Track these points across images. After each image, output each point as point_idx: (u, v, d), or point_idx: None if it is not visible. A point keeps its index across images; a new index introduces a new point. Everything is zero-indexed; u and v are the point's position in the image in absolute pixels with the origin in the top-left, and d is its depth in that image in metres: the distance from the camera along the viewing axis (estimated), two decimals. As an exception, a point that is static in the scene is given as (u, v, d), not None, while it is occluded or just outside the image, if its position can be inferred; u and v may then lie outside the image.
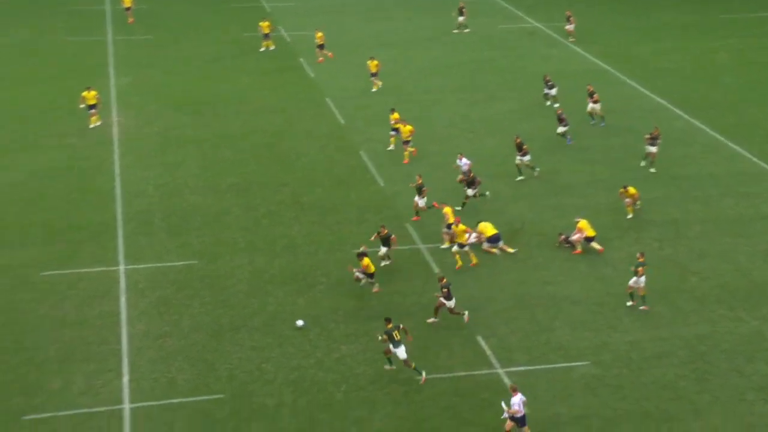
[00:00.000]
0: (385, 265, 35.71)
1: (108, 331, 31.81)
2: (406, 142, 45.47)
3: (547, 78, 53.21)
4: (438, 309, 32.36)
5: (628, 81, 57.55)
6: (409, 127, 45.56)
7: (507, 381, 29.37)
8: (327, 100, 54.11)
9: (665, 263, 36.47)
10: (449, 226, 37.17)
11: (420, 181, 40.02)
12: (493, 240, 37.17)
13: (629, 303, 33.55)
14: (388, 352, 29.77)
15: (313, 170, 44.73)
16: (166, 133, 49.41)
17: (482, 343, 31.47)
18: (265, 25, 63.13)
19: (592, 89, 50.25)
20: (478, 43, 65.43)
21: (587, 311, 33.38)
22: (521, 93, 54.98)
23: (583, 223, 37.17)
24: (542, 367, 30.26)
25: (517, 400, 26.35)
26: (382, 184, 43.30)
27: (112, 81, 56.90)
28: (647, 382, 29.59)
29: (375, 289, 34.39)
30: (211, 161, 45.93)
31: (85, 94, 48.91)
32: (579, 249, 37.05)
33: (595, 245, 37.01)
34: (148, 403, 28.27)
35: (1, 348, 30.59)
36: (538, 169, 43.73)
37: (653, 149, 44.03)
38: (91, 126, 48.76)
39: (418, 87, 56.58)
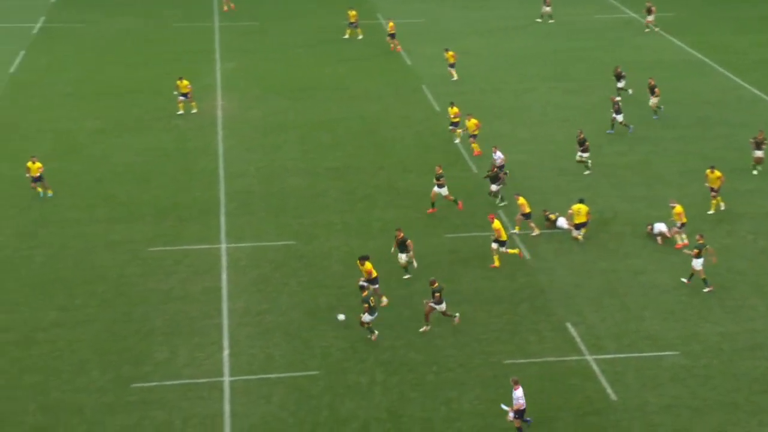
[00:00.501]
0: (407, 277, 33.86)
1: (210, 306, 32.42)
2: (473, 136, 44.70)
3: (618, 70, 51.84)
4: (428, 315, 30.93)
5: (724, 72, 56.08)
6: (474, 121, 44.66)
7: (596, 368, 29.06)
8: (423, 87, 54.03)
9: (760, 256, 35.55)
10: (527, 216, 36.85)
11: (440, 171, 39.29)
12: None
13: (706, 289, 32.85)
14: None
15: (408, 156, 44.77)
16: (268, 117, 50.00)
17: (572, 329, 31.16)
18: (352, 14, 63.28)
19: (653, 83, 48.98)
20: (572, 33, 64.50)
21: (677, 301, 32.77)
22: (614, 83, 54.04)
23: (678, 209, 36.29)
24: (631, 355, 29.83)
25: (520, 393, 25.90)
26: (474, 171, 43.11)
27: (218, 66, 57.78)
28: (738, 373, 28.94)
29: (383, 302, 32.23)
30: (310, 145, 46.35)
31: (178, 83, 49.43)
32: (680, 241, 36.13)
33: (681, 235, 36.20)
34: (247, 376, 28.75)
35: (112, 319, 31.44)
36: (588, 171, 42.69)
37: (759, 153, 42.62)
38: (179, 113, 49.25)
39: (512, 75, 56.10)
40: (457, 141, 46.14)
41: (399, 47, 60.35)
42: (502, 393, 27.86)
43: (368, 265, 32.34)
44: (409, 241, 34.02)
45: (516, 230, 37.31)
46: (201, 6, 70.98)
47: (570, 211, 37.00)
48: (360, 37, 63.06)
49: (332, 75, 56.24)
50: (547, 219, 37.60)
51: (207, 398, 27.75)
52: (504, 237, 35.04)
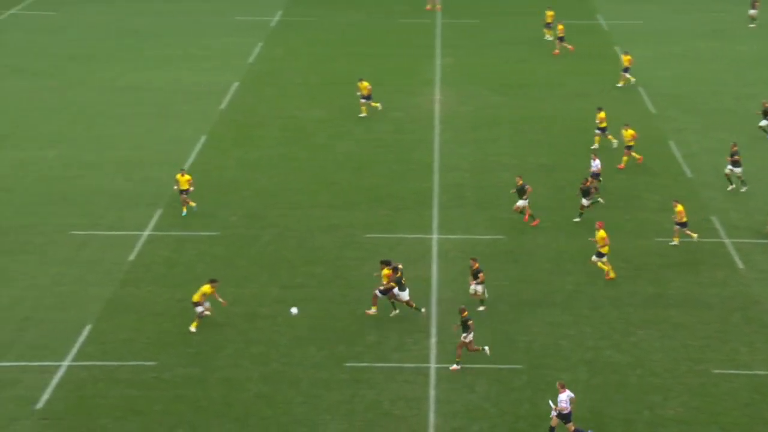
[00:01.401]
0: (482, 309, 31.34)
1: (420, 294, 32.69)
2: (629, 147, 42.25)
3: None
4: (460, 347, 28.54)
5: None
6: (631, 132, 42.15)
7: (808, 386, 27.31)
8: (639, 88, 52.34)
9: None
10: (683, 224, 34.93)
11: (521, 183, 37.29)
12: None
13: None
14: (392, 296, 30.17)
15: (619, 157, 43.46)
16: (482, 112, 49.89)
17: (784, 344, 29.43)
18: (549, 15, 61.92)
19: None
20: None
21: None
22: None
23: None
24: None
25: (565, 397, 25.23)
26: (689, 175, 41.40)
27: (437, 61, 58.16)
28: None
29: (370, 311, 30.83)
30: (522, 141, 45.91)
31: (359, 84, 48.67)
32: None
33: None
34: (452, 365, 28.82)
35: (329, 299, 32.31)
36: (731, 186, 39.63)
37: None
38: (361, 115, 48.44)
39: (737, 79, 53.35)
40: (615, 145, 44.07)
41: (571, 48, 58.41)
42: (710, 402, 26.70)
43: (386, 270, 30.83)
44: (481, 273, 31.21)
45: (675, 242, 35.35)
46: (423, 3, 71.55)
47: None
48: (549, 38, 61.54)
49: (548, 72, 55.40)
50: None
51: (413, 382, 28.05)
52: (605, 250, 33.21)
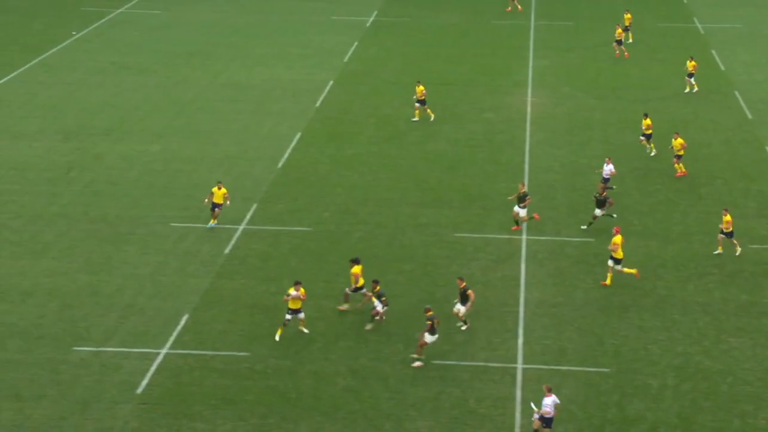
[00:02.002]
0: (464, 328, 30.06)
1: (508, 294, 32.45)
2: (678, 157, 40.72)
3: None
4: (421, 347, 28.03)
5: None
6: (680, 141, 40.63)
7: None
8: (735, 92, 50.92)
9: None
10: (729, 234, 33.78)
11: (523, 190, 36.11)
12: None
13: None
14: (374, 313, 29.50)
15: (715, 161, 42.43)
16: (574, 114, 49.21)
17: None
18: (627, 18, 60.54)
19: None
20: None
21: None
22: None
23: None
24: None
25: (550, 401, 24.58)
26: (787, 182, 40.11)
27: (531, 63, 57.58)
28: None
29: (341, 308, 30.16)
30: (614, 145, 45.11)
31: (416, 88, 47.38)
32: None
33: None
34: (539, 366, 28.52)
35: (417, 297, 32.21)
36: None
37: None
38: (413, 119, 47.15)
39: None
40: (653, 153, 42.77)
41: (627, 55, 56.87)
42: (801, 415, 25.82)
43: (356, 268, 30.01)
44: (470, 291, 29.88)
45: (719, 251, 34.18)
46: (522, 4, 70.92)
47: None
48: (630, 40, 60.11)
49: (643, 75, 54.31)
50: None
51: (499, 382, 27.83)
52: (620, 255, 32.20)
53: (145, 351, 28.90)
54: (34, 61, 57.08)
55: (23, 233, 36.24)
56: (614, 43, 58.23)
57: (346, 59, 58.45)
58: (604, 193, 36.70)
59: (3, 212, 37.90)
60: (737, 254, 34.32)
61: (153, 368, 28.10)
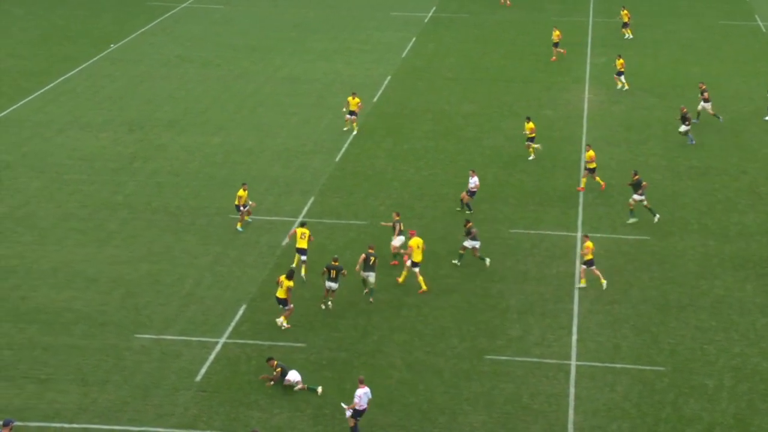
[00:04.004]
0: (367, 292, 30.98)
1: (563, 291, 32.16)
2: (589, 170, 38.86)
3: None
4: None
5: None
6: (591, 153, 38.76)
7: None
8: (797, 91, 49.81)
9: None
10: None
11: (396, 219, 34.11)
12: None
13: None
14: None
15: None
16: (633, 112, 48.56)
17: None
18: (624, 14, 60.16)
19: (704, 87, 44.44)
20: None
21: None
22: None
23: None
24: None
25: (362, 392, 24.19)
26: None
27: (588, 59, 56.91)
28: None
29: (283, 317, 29.56)
30: (673, 143, 44.42)
31: (349, 99, 45.45)
32: None
33: None
34: (593, 363, 28.23)
35: (471, 292, 32.07)
36: None
37: None
38: (345, 129, 45.50)
39: None
40: (531, 158, 42.01)
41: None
42: None
43: (288, 282, 29.05)
44: (374, 259, 30.71)
45: None
46: (580, 1, 70.22)
47: None
48: (630, 37, 59.07)
49: (704, 74, 53.36)
50: None
51: (553, 378, 27.60)
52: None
53: (204, 340, 29.22)
54: (101, 54, 57.99)
55: (89, 222, 36.86)
56: (553, 47, 56.79)
57: (404, 55, 58.37)
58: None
59: (70, 201, 38.60)
60: None
61: (212, 357, 28.40)
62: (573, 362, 28.30)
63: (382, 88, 52.25)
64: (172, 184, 40.41)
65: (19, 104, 49.41)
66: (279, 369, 26.68)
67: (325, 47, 59.75)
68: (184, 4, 70.15)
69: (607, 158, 42.73)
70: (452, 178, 41.03)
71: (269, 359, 26.99)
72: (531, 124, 42.61)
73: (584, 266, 32.21)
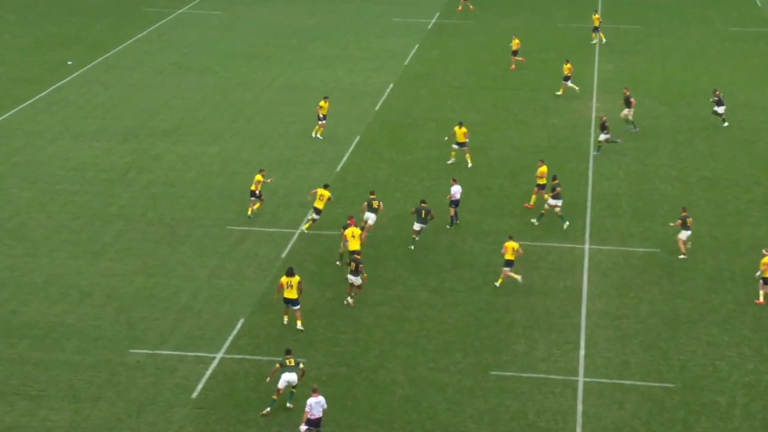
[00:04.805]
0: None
1: (569, 305, 32.16)
2: (539, 186, 38.58)
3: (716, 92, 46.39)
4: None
5: None
6: (543, 169, 38.37)
7: None
8: (811, 100, 49.93)
9: None
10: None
11: (372, 197, 35.90)
12: None
13: None
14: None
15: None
16: (642, 121, 48.56)
17: None
18: (596, 18, 61.52)
19: (628, 93, 45.33)
20: None
21: None
22: None
23: None
24: None
25: (314, 401, 24.80)
26: None
27: (596, 66, 57.05)
28: None
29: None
30: (683, 153, 44.52)
31: (322, 103, 45.78)
32: None
33: None
34: (601, 379, 28.19)
35: (476, 306, 32.08)
36: None
37: None
38: (314, 134, 46.04)
39: None
40: (451, 161, 42.54)
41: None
42: None
43: (297, 279, 30.12)
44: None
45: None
46: (587, 6, 70.42)
47: None
48: (601, 41, 59.22)
49: (715, 82, 53.46)
50: None
51: (560, 395, 27.57)
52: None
53: (200, 355, 29.22)
54: (96, 61, 58.17)
55: (81, 233, 36.92)
56: (512, 55, 56.90)
57: (406, 62, 58.54)
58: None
59: (62, 212, 38.67)
60: None
61: (208, 372, 28.39)
62: (580, 378, 28.28)
63: (384, 96, 52.39)
64: (168, 194, 40.47)
65: (10, 113, 49.56)
66: (278, 366, 26.55)
67: (326, 54, 59.93)
68: (181, 10, 70.40)
69: (614, 167, 42.80)
70: (456, 188, 41.02)
71: (287, 351, 27.06)
72: (464, 129, 42.48)
73: (505, 267, 32.77)
